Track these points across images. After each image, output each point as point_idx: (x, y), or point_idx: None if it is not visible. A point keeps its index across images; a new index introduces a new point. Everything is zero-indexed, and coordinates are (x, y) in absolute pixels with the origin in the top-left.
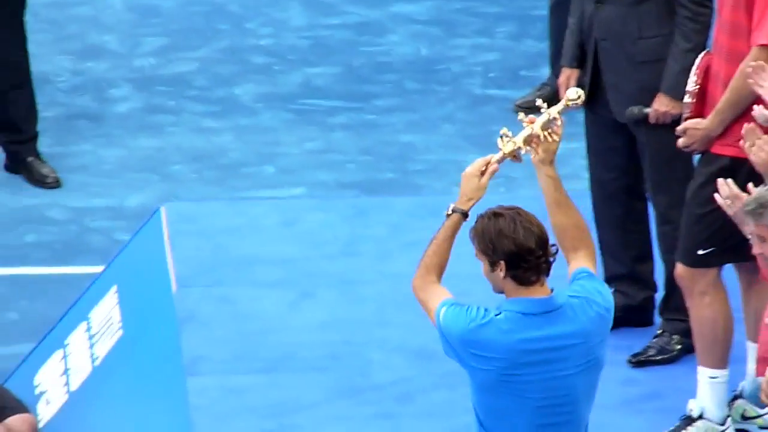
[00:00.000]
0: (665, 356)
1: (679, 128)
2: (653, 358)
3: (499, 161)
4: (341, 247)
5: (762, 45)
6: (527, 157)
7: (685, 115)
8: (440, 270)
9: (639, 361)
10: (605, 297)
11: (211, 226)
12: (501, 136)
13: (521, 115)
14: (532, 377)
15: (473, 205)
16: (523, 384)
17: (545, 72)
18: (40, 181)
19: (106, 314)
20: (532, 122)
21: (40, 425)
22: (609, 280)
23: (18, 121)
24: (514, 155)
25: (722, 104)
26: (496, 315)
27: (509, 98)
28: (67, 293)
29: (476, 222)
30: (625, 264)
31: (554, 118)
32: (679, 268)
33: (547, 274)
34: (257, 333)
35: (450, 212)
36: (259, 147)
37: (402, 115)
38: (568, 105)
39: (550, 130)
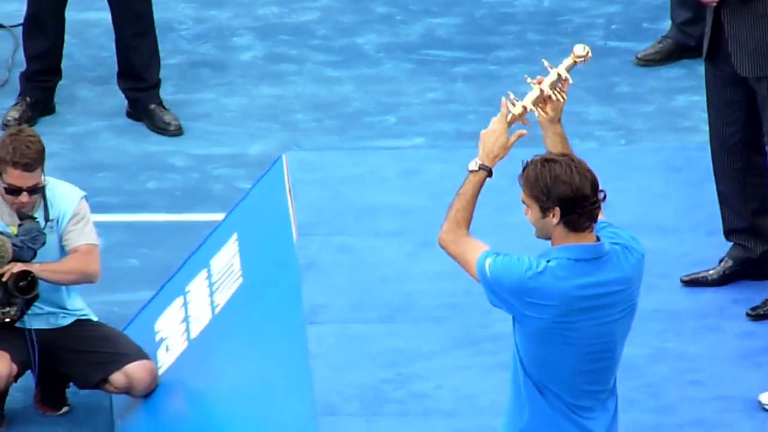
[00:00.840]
0: None
1: None
2: None
3: (510, 124)
4: None
5: None
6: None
7: None
8: (468, 225)
9: (758, 315)
10: (640, 244)
11: (332, 175)
12: (509, 99)
13: (527, 78)
14: (582, 324)
15: (497, 162)
16: (574, 331)
17: (667, 24)
18: (162, 128)
19: (227, 262)
20: (539, 82)
21: (160, 372)
22: (728, 233)
23: (140, 68)
24: (522, 117)
25: None
26: (548, 262)
27: (631, 50)
28: (187, 241)
29: (526, 168)
30: (745, 217)
31: (563, 77)
32: None
33: (596, 221)
34: (376, 282)
35: (477, 168)
36: (380, 97)
37: (523, 66)
38: (575, 62)
39: (558, 89)
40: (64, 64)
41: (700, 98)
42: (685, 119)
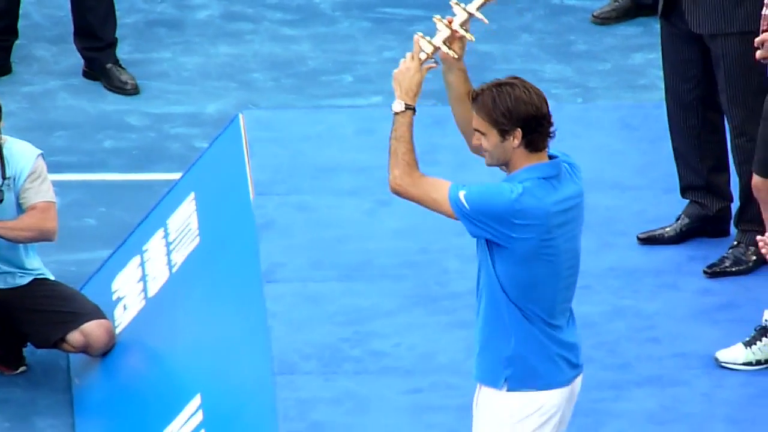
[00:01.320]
0: (741, 267)
1: (758, 40)
2: (729, 269)
3: (422, 62)
4: (419, 155)
5: None
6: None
7: (762, 27)
8: (417, 165)
9: (714, 272)
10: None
11: (289, 133)
12: (419, 40)
13: (437, 17)
14: (559, 240)
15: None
16: (554, 248)
17: None
18: (119, 87)
19: (184, 221)
20: (450, 22)
21: (117, 331)
22: (684, 190)
23: (96, 27)
24: (432, 56)
25: None
26: (522, 184)
27: (587, 8)
28: (145, 200)
29: (480, 95)
30: (701, 174)
31: (474, 17)
32: (756, 179)
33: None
34: (334, 240)
35: (403, 108)
36: (337, 55)
37: (480, 24)
38: (485, 1)
39: (466, 28)
40: (21, 23)
41: (657, 56)
42: (641, 77)
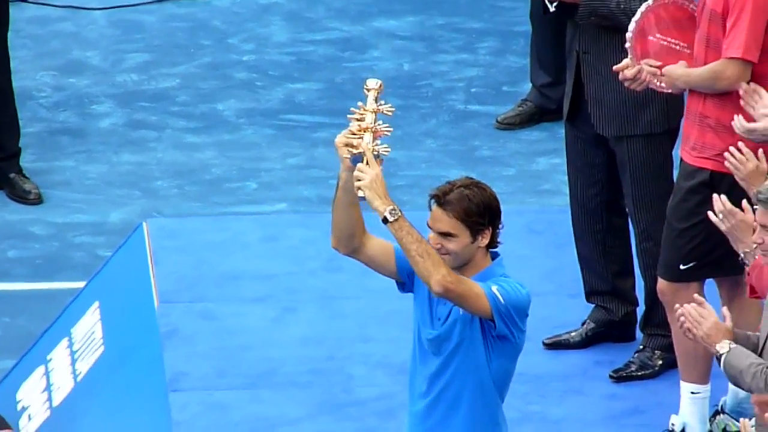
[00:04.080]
0: (647, 371)
1: (617, 66)
2: (635, 374)
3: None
4: (323, 262)
5: (731, 58)
6: None
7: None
8: None
9: (621, 377)
10: None
11: (194, 241)
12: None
13: (354, 116)
14: None
15: None
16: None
17: (527, 87)
18: (22, 197)
19: (88, 330)
20: (364, 129)
21: None
22: (589, 295)
23: (0, 137)
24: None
25: (693, 78)
26: (509, 278)
27: (491, 114)
28: (49, 309)
29: (448, 196)
30: (606, 280)
31: (380, 110)
32: (661, 283)
33: None
34: (239, 348)
35: (398, 215)
36: (241, 162)
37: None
38: (372, 93)
39: (379, 124)
40: None
41: (561, 161)
42: (545, 182)
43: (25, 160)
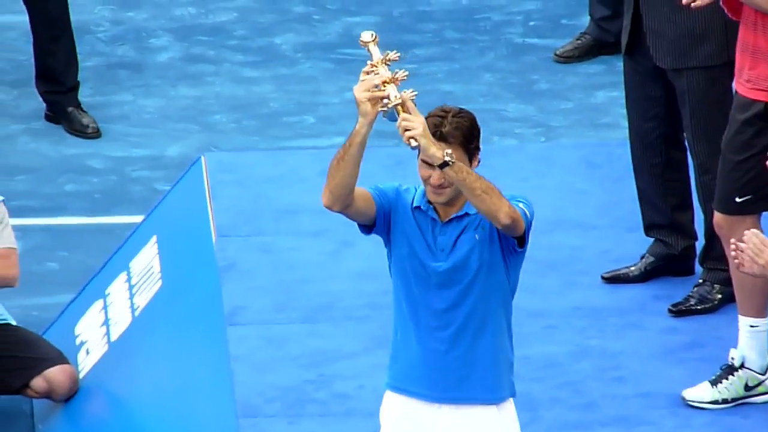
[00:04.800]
0: (706, 305)
1: None
2: (694, 308)
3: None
4: None
5: None
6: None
7: None
8: None
9: (680, 311)
10: None
11: (252, 175)
12: (405, 95)
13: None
14: None
15: None
16: None
17: (585, 20)
18: (80, 131)
19: (146, 264)
20: (387, 82)
21: (81, 375)
22: (648, 229)
23: (58, 71)
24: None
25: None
26: None
27: (549, 47)
28: (107, 243)
29: (451, 122)
30: (665, 213)
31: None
32: (717, 217)
33: None
34: (297, 282)
35: (455, 158)
36: (299, 97)
37: (442, 64)
38: (366, 47)
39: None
40: None
41: (620, 94)
42: (604, 115)
43: (83, 94)
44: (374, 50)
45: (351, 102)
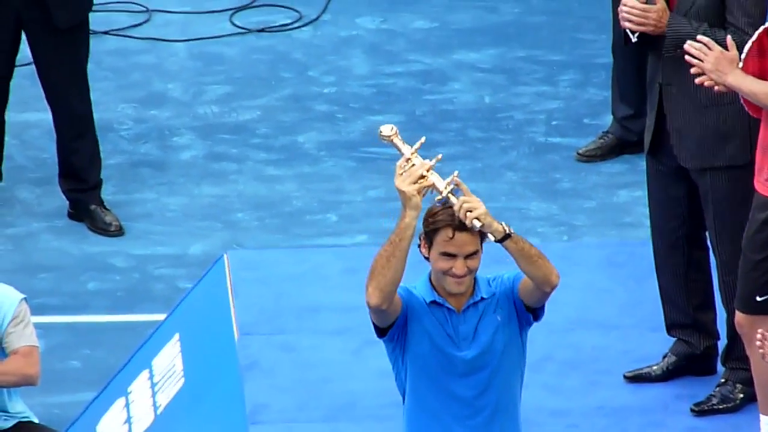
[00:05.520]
0: (728, 405)
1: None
2: (716, 407)
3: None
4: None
5: None
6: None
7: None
8: None
9: (702, 410)
10: None
11: (274, 273)
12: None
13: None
14: None
15: None
16: None
17: (608, 120)
18: (103, 229)
19: (169, 362)
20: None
21: None
22: (670, 328)
23: (81, 169)
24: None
25: (757, 88)
26: None
27: (572, 146)
28: (129, 341)
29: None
30: (687, 313)
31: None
32: (738, 316)
33: None
34: (319, 381)
35: (510, 230)
36: (322, 195)
37: (465, 163)
38: (390, 142)
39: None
40: (4, 165)
41: (642, 193)
42: (626, 215)
43: (106, 192)
44: (399, 142)
45: (374, 200)
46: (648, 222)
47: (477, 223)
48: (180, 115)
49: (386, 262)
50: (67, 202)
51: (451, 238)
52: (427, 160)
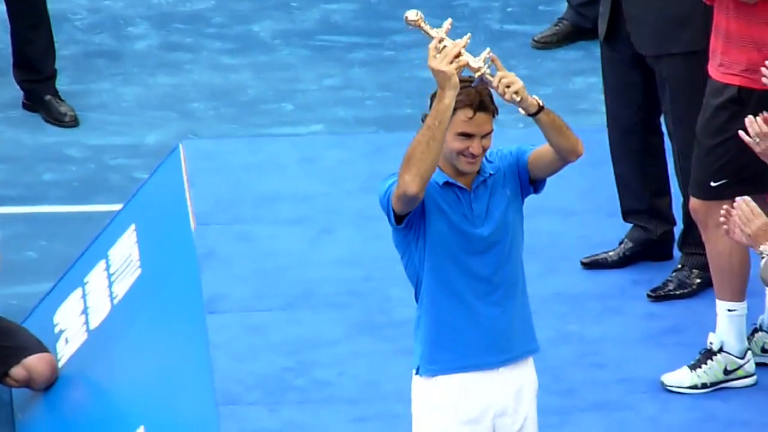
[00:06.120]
0: (685, 290)
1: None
2: (673, 292)
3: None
4: (360, 183)
5: None
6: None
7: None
8: None
9: (659, 296)
10: None
11: (230, 163)
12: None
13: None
14: None
15: None
16: None
17: (563, 6)
18: (58, 119)
19: (125, 252)
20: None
21: (60, 364)
22: (626, 214)
23: (36, 59)
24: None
25: None
26: None
27: (528, 33)
28: (86, 232)
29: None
30: (644, 199)
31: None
32: (693, 201)
33: None
34: (276, 270)
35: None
36: (277, 84)
37: (420, 51)
38: (419, 26)
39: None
40: None
41: (598, 80)
42: (583, 101)
43: (61, 83)
44: (426, 26)
45: (330, 89)
46: (604, 108)
47: (516, 97)
48: (134, 4)
49: (426, 147)
50: (22, 93)
51: (471, 118)
52: (459, 40)
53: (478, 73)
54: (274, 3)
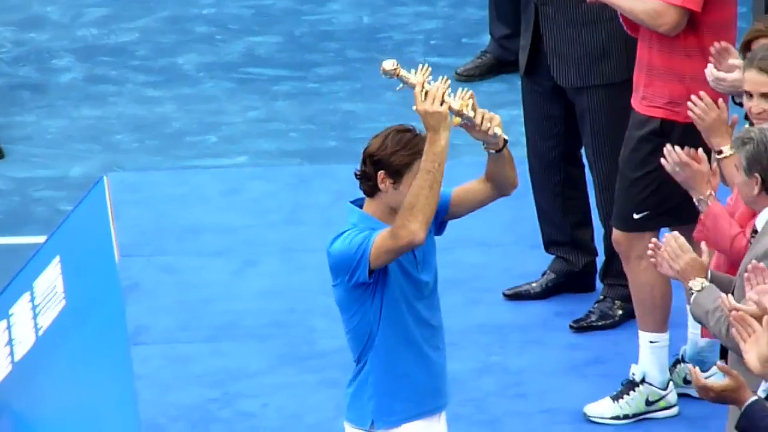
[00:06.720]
0: (607, 321)
1: None
2: (595, 324)
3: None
4: (284, 215)
5: (672, 3)
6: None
7: None
8: None
9: (581, 327)
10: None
11: (154, 195)
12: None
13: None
14: None
15: None
16: None
17: (486, 39)
18: None
19: (50, 284)
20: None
21: None
22: (549, 246)
23: None
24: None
25: (636, 7)
26: None
27: (451, 66)
28: (10, 263)
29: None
30: (565, 230)
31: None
32: (616, 233)
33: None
34: (201, 302)
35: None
36: (201, 116)
37: (344, 83)
38: (399, 76)
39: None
40: None
41: (520, 112)
42: (506, 133)
43: None
44: (405, 73)
45: (254, 121)
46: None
47: (498, 131)
48: (59, 37)
49: (429, 191)
50: None
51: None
52: (439, 82)
53: (464, 114)
54: (199, 36)
